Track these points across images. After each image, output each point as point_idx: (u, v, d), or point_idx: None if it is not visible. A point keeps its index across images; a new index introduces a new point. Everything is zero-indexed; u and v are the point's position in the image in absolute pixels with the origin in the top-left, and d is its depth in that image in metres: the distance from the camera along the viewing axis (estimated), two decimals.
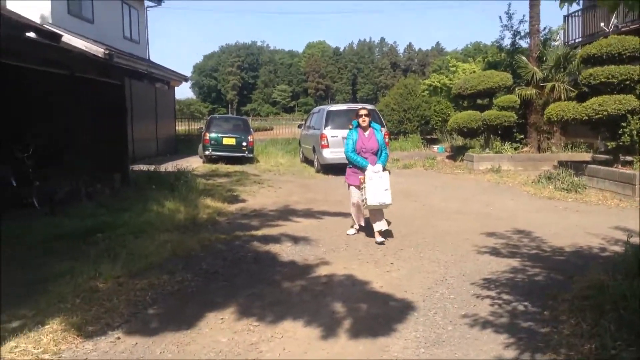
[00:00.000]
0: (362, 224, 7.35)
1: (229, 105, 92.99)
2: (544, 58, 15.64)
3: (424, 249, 6.55)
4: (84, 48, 12.90)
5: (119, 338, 3.97)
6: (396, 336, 3.99)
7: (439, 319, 4.31)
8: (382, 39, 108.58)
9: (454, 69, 18.82)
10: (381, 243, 6.75)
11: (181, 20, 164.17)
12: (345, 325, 4.20)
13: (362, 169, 6.83)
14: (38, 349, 3.70)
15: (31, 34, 9.24)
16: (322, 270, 5.69)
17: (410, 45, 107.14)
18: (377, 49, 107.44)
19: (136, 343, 3.90)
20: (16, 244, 6.39)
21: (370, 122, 7.06)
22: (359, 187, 6.90)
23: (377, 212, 6.86)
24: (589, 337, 3.67)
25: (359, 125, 7.04)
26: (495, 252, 6.37)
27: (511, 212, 9.00)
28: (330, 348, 3.83)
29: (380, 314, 4.43)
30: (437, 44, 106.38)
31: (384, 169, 6.91)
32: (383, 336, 3.98)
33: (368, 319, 4.34)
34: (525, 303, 4.55)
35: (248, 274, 5.61)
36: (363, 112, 7.10)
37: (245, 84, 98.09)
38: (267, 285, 5.25)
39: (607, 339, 3.50)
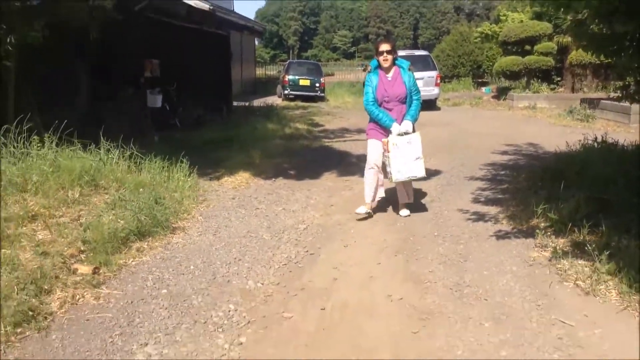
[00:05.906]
0: (374, 204, 5.80)
1: (290, 51, 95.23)
2: None
3: (454, 152, 9.59)
4: (195, 5, 16.17)
5: (274, 181, 7.38)
6: (428, 182, 7.18)
7: (453, 178, 7.49)
8: None
9: (504, 17, 20.90)
10: (407, 216, 5.71)
11: None
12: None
13: (386, 128, 5.41)
14: (239, 182, 7.14)
15: None
16: None
17: None
18: None
19: (285, 183, 7.29)
20: (185, 145, 9.91)
21: (394, 60, 5.46)
22: (381, 145, 5.46)
23: (406, 183, 5.65)
24: (532, 183, 6.72)
25: (379, 66, 5.49)
26: (503, 152, 9.38)
27: (529, 133, 11.78)
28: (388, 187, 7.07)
29: None
30: None
31: (414, 129, 5.45)
32: (422, 182, 7.18)
33: None
34: (506, 171, 7.65)
35: (336, 160, 8.93)
36: (384, 47, 5.39)
37: (306, 29, 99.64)
38: (349, 165, 8.54)
39: (538, 183, 6.55)
